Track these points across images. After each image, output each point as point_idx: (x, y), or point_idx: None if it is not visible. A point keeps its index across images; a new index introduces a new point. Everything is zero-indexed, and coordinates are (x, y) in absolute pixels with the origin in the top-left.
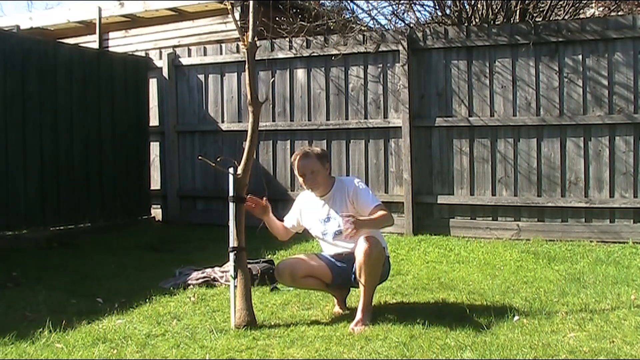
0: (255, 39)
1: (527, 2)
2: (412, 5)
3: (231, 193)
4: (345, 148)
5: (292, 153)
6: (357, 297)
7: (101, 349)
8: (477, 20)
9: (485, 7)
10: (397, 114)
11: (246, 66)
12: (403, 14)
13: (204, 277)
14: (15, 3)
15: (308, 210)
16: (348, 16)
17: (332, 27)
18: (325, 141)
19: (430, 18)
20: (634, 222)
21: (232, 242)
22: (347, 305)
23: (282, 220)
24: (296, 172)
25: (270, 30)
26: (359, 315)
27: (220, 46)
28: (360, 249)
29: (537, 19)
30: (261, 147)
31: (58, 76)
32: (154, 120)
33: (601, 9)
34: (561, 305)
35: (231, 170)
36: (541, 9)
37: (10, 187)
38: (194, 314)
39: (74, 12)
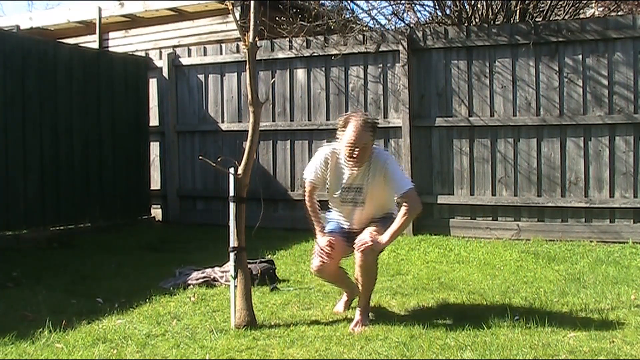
0: (256, 39)
1: (527, 2)
2: (412, 5)
3: (232, 193)
4: None
5: (292, 153)
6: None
7: (101, 349)
8: (477, 20)
9: (485, 7)
10: (397, 114)
11: (247, 66)
12: (403, 14)
13: (204, 277)
14: (15, 3)
15: (334, 170)
16: (348, 16)
17: (332, 27)
18: (325, 141)
19: (430, 18)
20: (634, 222)
21: (232, 242)
22: (351, 306)
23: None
24: (348, 139)
25: (270, 30)
26: (357, 316)
27: (220, 46)
28: (358, 255)
29: (537, 19)
30: (261, 147)
31: (58, 76)
32: (154, 120)
33: (601, 9)
34: (561, 305)
35: (232, 170)
36: (541, 9)
37: (10, 187)
38: (194, 314)
39: (74, 12)
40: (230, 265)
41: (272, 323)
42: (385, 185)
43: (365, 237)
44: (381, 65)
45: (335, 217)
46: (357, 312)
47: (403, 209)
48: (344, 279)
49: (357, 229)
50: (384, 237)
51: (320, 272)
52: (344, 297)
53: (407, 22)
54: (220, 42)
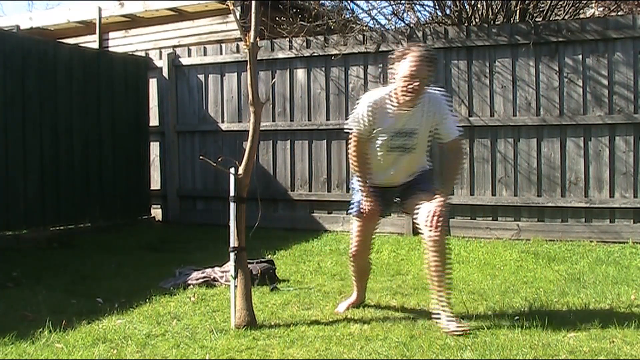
0: (257, 39)
1: (527, 2)
2: (412, 5)
3: (232, 193)
4: (345, 148)
5: (292, 153)
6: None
7: (101, 349)
8: (477, 20)
9: (485, 7)
10: None
11: (247, 66)
12: (403, 14)
13: (204, 277)
14: (16, 3)
15: (381, 116)
16: (348, 16)
17: (332, 27)
18: (325, 141)
19: (430, 18)
20: (634, 222)
21: (233, 242)
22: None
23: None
24: (405, 71)
25: (270, 30)
26: (449, 314)
27: (220, 46)
28: (429, 234)
29: (537, 19)
30: (261, 147)
31: (58, 76)
32: (154, 120)
33: (601, 9)
34: (561, 305)
35: (232, 170)
36: (541, 9)
37: (10, 187)
38: (194, 314)
39: (74, 12)
40: (230, 265)
41: (272, 323)
42: (436, 128)
43: (429, 208)
44: (381, 65)
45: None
46: (447, 311)
47: (454, 156)
48: (367, 270)
49: (397, 184)
50: (442, 194)
51: (361, 235)
52: (352, 298)
53: (407, 22)
54: (220, 42)
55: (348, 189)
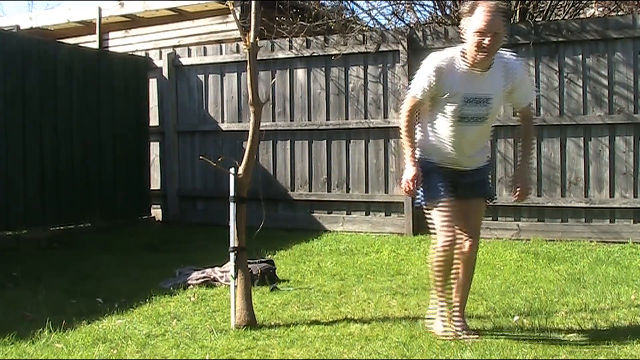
0: (257, 39)
1: (527, 2)
2: (412, 5)
3: (232, 193)
4: (345, 148)
5: (292, 153)
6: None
7: (101, 349)
8: None
9: None
10: (397, 114)
11: (247, 66)
12: (403, 13)
13: (204, 277)
14: (16, 3)
15: (450, 80)
16: (348, 16)
17: (332, 27)
18: (325, 141)
19: (430, 18)
20: (634, 222)
21: (233, 242)
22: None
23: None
24: (476, 26)
25: (270, 30)
26: (461, 320)
27: (220, 46)
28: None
29: (537, 19)
30: (261, 147)
31: (58, 76)
32: (154, 120)
33: (601, 9)
34: (561, 305)
35: (232, 170)
36: (541, 9)
37: (10, 187)
38: (194, 314)
39: (74, 12)
40: (230, 265)
41: (272, 323)
42: (512, 93)
43: (475, 222)
44: (381, 65)
45: (432, 150)
46: (457, 312)
47: (529, 124)
48: (451, 265)
49: (460, 165)
50: (524, 166)
51: (445, 219)
52: (443, 309)
53: (407, 22)
54: (220, 42)
55: (348, 189)
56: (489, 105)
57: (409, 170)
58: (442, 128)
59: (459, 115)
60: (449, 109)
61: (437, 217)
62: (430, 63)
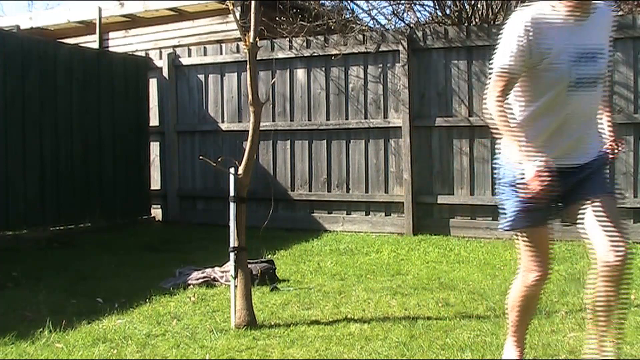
0: (257, 39)
1: (527, 2)
2: (412, 5)
3: (232, 193)
4: (345, 148)
5: (292, 153)
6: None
7: (101, 349)
8: (477, 20)
9: (485, 7)
10: (397, 114)
11: (247, 66)
12: (403, 14)
13: (204, 277)
14: (16, 3)
15: (548, 33)
16: (348, 16)
17: (332, 27)
18: (325, 141)
19: (430, 18)
20: (634, 222)
21: (233, 242)
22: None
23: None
24: None
25: (270, 30)
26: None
27: (220, 46)
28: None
29: None
30: (261, 147)
31: (58, 76)
32: (154, 120)
33: None
34: (561, 305)
35: (232, 170)
36: None
37: (10, 187)
38: (194, 314)
39: (74, 12)
40: (230, 265)
41: (272, 323)
42: None
43: (611, 225)
44: (381, 65)
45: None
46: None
47: (604, 89)
48: (535, 304)
49: (569, 163)
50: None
51: (534, 247)
52: (516, 345)
53: (407, 22)
54: (220, 42)
55: (348, 189)
56: (601, 60)
57: (529, 168)
58: (548, 111)
59: (569, 80)
60: (553, 77)
61: (529, 248)
62: (518, 21)
